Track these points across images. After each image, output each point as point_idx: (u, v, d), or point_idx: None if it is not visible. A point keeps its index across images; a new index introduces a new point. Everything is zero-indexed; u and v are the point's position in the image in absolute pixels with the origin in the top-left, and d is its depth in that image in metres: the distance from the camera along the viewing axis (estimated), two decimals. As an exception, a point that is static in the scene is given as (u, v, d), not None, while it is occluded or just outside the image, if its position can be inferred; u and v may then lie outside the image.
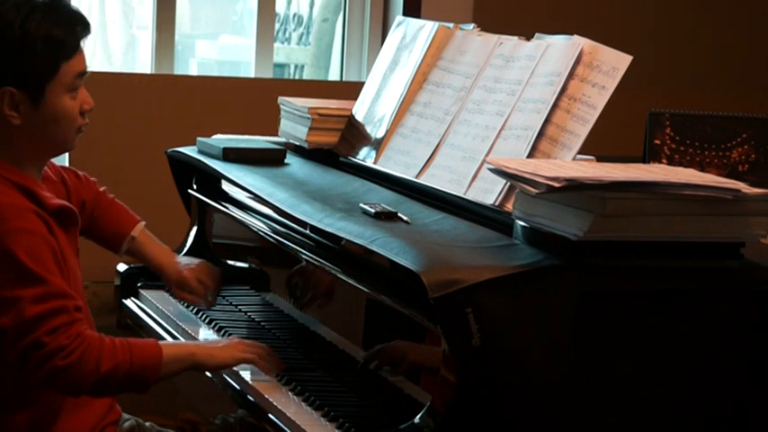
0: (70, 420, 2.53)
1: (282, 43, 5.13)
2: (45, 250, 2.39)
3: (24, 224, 2.38)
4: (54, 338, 2.34)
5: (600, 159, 2.67)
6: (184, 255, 3.32)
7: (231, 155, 3.13)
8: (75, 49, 2.45)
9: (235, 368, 2.61)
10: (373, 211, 2.53)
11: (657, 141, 3.21)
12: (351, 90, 3.55)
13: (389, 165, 2.90)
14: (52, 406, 2.50)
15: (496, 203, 2.52)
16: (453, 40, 2.96)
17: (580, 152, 2.48)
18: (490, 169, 2.37)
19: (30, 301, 2.34)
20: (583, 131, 2.48)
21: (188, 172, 3.33)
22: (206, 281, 2.92)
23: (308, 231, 2.72)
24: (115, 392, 2.50)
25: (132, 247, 2.90)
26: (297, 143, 3.26)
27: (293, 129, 3.27)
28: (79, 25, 2.46)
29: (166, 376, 2.47)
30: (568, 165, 2.34)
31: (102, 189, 2.88)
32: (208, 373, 2.65)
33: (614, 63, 2.51)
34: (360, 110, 3.14)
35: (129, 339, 2.46)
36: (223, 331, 2.87)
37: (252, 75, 4.71)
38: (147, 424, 2.69)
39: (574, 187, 2.16)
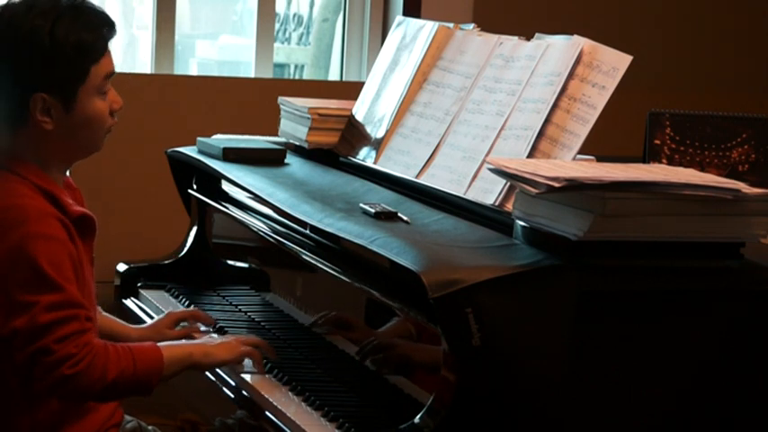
0: (75, 425, 2.52)
1: (282, 43, 5.13)
2: (64, 257, 2.39)
3: (46, 230, 2.38)
4: (63, 346, 2.34)
5: (600, 159, 2.67)
6: (184, 255, 3.33)
7: (231, 155, 3.13)
8: (103, 51, 2.46)
9: (234, 368, 2.61)
10: (373, 211, 2.53)
11: (657, 141, 3.21)
12: (351, 90, 3.55)
13: (389, 165, 2.90)
14: (58, 410, 2.49)
15: (496, 203, 2.52)
16: (453, 40, 2.96)
17: (580, 152, 2.48)
18: (490, 169, 2.36)
19: (44, 308, 2.34)
20: (583, 131, 2.48)
21: (188, 172, 3.33)
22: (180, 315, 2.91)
23: (308, 231, 2.72)
24: (120, 397, 2.51)
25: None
26: (297, 143, 3.26)
27: (293, 129, 3.27)
28: (106, 27, 2.47)
29: (167, 378, 2.49)
30: (568, 165, 2.34)
31: None
32: (208, 374, 2.65)
33: (614, 63, 2.51)
34: (360, 110, 3.14)
35: (131, 345, 2.47)
36: (223, 332, 2.86)
37: (252, 75, 4.71)
38: (150, 428, 2.69)
39: (574, 187, 2.16)
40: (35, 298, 2.34)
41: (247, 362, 2.62)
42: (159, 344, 2.51)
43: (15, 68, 2.42)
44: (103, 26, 2.47)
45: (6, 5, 2.45)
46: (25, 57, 2.40)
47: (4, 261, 2.36)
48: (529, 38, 2.76)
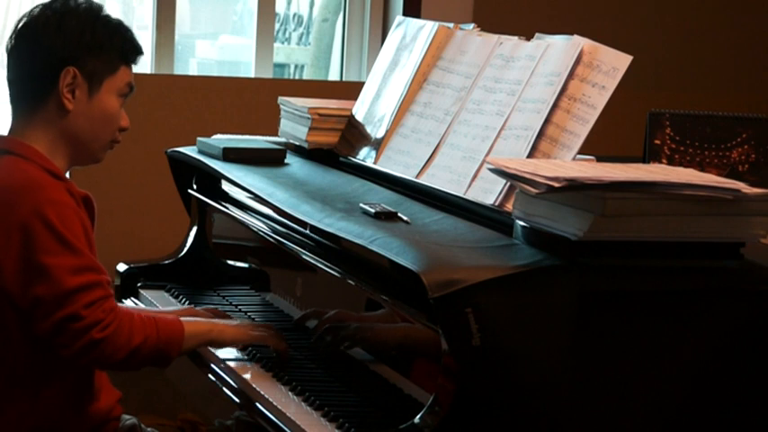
0: (78, 416, 2.55)
1: (282, 43, 5.13)
2: (77, 223, 2.45)
3: (59, 196, 2.45)
4: (91, 312, 2.40)
5: (600, 159, 2.67)
6: (184, 255, 3.33)
7: (231, 155, 3.13)
8: (130, 62, 2.61)
9: (234, 368, 2.61)
10: (373, 211, 2.53)
11: (657, 141, 3.21)
12: (351, 90, 3.55)
13: (389, 165, 2.90)
14: (59, 403, 2.51)
15: (496, 203, 2.52)
16: (453, 40, 2.96)
17: (580, 152, 2.48)
18: (490, 169, 2.36)
19: (67, 272, 2.40)
20: (583, 131, 2.48)
21: (188, 172, 3.33)
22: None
23: (308, 231, 2.72)
24: (141, 365, 2.53)
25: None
26: (297, 143, 3.26)
27: (293, 129, 3.27)
28: (137, 45, 2.63)
29: (185, 352, 2.57)
30: (568, 165, 2.34)
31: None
32: (209, 374, 2.65)
33: (614, 63, 2.51)
34: (360, 110, 3.14)
35: (155, 315, 2.56)
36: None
37: (252, 75, 4.71)
38: (149, 429, 2.69)
39: (574, 187, 2.16)
40: (56, 260, 2.39)
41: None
42: (181, 318, 2.58)
43: (62, 37, 2.52)
44: (135, 43, 2.62)
45: None
46: (75, 30, 2.52)
47: (21, 228, 2.41)
48: (529, 38, 2.76)
